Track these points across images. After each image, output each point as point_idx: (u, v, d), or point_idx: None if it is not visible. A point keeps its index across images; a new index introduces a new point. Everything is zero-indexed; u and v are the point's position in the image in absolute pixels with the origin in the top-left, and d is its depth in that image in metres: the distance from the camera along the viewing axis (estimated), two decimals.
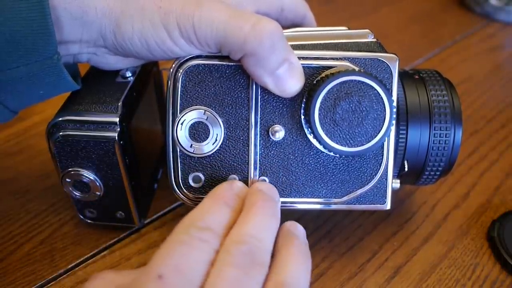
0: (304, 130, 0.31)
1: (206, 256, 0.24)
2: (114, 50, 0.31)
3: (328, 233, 0.39)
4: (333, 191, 0.32)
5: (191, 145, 0.31)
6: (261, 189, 0.30)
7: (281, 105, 0.31)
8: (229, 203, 0.28)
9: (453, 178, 0.45)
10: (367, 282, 0.36)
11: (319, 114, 0.29)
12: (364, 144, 0.30)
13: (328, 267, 0.37)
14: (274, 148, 0.31)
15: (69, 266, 0.36)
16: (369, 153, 0.32)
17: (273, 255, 0.26)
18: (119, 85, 0.34)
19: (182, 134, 0.31)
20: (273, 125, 0.31)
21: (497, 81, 0.61)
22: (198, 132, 0.31)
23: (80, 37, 0.29)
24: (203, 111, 0.31)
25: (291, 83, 0.29)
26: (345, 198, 0.32)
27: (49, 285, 0.35)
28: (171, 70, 0.31)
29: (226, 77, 0.31)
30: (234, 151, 0.31)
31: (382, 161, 0.32)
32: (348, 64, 0.30)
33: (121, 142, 0.32)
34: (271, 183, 0.32)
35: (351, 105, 0.29)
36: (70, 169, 0.33)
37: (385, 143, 0.31)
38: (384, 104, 0.29)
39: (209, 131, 0.31)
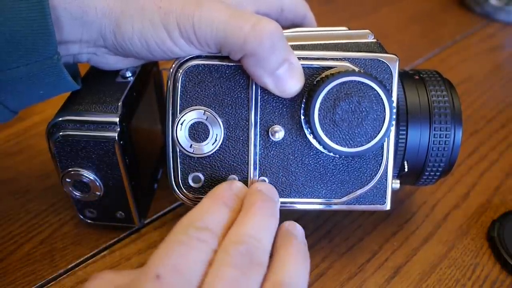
0: (304, 131, 0.31)
1: (204, 256, 0.24)
2: (114, 50, 0.31)
3: (328, 233, 0.39)
4: (332, 191, 0.32)
5: (191, 145, 0.31)
6: (260, 189, 0.30)
7: (281, 106, 0.31)
8: (228, 203, 0.28)
9: (453, 178, 0.45)
10: (367, 282, 0.36)
11: (319, 114, 0.29)
12: (363, 145, 0.30)
13: (328, 267, 0.37)
14: (273, 148, 0.31)
15: (69, 266, 0.36)
16: (369, 154, 0.32)
17: (271, 255, 0.26)
18: (119, 85, 0.34)
19: (182, 134, 0.31)
20: (273, 125, 0.31)
21: (497, 81, 0.61)
22: (198, 132, 0.31)
23: (80, 37, 0.29)
24: (203, 111, 0.31)
25: (291, 84, 0.29)
26: (345, 199, 0.32)
27: (49, 285, 0.35)
28: (171, 70, 0.31)
29: (226, 77, 0.31)
30: (234, 151, 0.31)
31: (382, 162, 0.32)
32: (348, 64, 0.30)
33: (121, 142, 0.32)
34: (270, 183, 0.32)
35: (351, 106, 0.29)
36: (70, 169, 0.33)
37: (385, 144, 0.31)
38: (384, 105, 0.29)
39: (209, 131, 0.31)
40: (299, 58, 0.30)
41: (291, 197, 0.32)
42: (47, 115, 0.49)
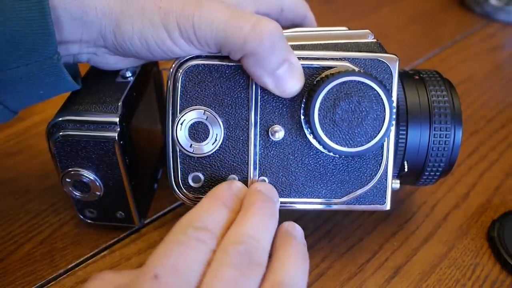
0: (304, 130, 0.31)
1: (203, 256, 0.24)
2: (114, 50, 0.31)
3: (328, 233, 0.39)
4: (332, 191, 0.32)
5: (191, 145, 0.31)
6: (260, 189, 0.30)
7: (281, 105, 0.31)
8: (227, 203, 0.28)
9: (453, 178, 0.45)
10: (367, 282, 0.36)
11: (319, 114, 0.29)
12: (363, 145, 0.30)
13: (328, 267, 0.37)
14: (273, 148, 0.31)
15: (69, 266, 0.36)
16: (369, 154, 0.31)
17: (270, 256, 0.26)
18: (119, 85, 0.34)
19: (182, 134, 0.31)
20: (273, 125, 0.31)
21: (497, 81, 0.61)
22: (198, 132, 0.31)
23: (80, 37, 0.29)
24: (203, 111, 0.31)
25: (291, 84, 0.29)
26: (344, 199, 0.32)
27: (49, 285, 0.35)
28: (171, 70, 0.31)
29: (226, 77, 0.31)
30: (234, 151, 0.31)
31: (382, 162, 0.32)
32: (348, 64, 0.30)
33: (121, 142, 0.32)
34: (270, 183, 0.32)
35: (350, 106, 0.29)
36: (70, 169, 0.33)
37: (385, 144, 0.31)
38: (383, 105, 0.29)
39: (209, 131, 0.31)
40: (299, 58, 0.30)
41: (291, 197, 0.32)
42: (47, 115, 0.49)
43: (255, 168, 0.31)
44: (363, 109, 0.29)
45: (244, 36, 0.27)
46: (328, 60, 0.30)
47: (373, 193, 0.32)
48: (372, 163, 0.32)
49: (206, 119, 0.31)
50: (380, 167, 0.32)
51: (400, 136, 0.33)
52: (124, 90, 0.34)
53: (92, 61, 0.32)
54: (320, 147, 0.31)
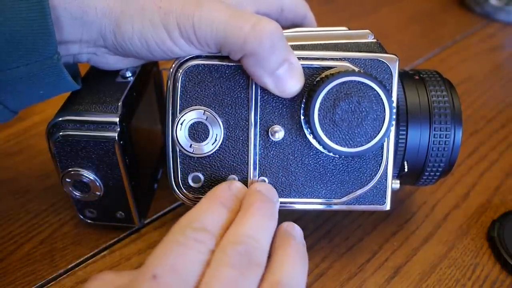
0: (303, 131, 0.31)
1: (202, 257, 0.24)
2: (114, 50, 0.31)
3: (328, 233, 0.39)
4: (332, 191, 0.32)
5: (191, 145, 0.31)
6: (259, 190, 0.30)
7: (280, 106, 0.31)
8: (226, 203, 0.28)
9: (453, 178, 0.45)
10: (367, 282, 0.36)
11: (319, 114, 0.29)
12: (363, 145, 0.30)
13: (328, 267, 0.37)
14: (273, 149, 0.31)
15: (69, 266, 0.36)
16: (369, 154, 0.31)
17: (269, 256, 0.26)
18: (119, 85, 0.34)
19: (181, 134, 0.31)
20: (273, 125, 0.31)
21: (497, 81, 0.61)
22: (198, 132, 0.31)
23: (80, 37, 0.29)
24: (203, 111, 0.31)
25: (291, 84, 0.29)
26: (344, 199, 0.32)
27: (49, 285, 0.35)
28: (171, 70, 0.31)
29: (226, 77, 0.31)
30: (234, 151, 0.31)
31: (381, 162, 0.32)
32: (348, 64, 0.30)
33: (121, 142, 0.32)
34: (270, 183, 0.32)
35: (350, 106, 0.29)
36: (70, 169, 0.33)
37: (385, 144, 0.31)
38: (383, 105, 0.29)
39: (209, 131, 0.31)
40: (299, 58, 0.30)
41: (291, 197, 0.32)
42: (47, 115, 0.49)
43: (255, 168, 0.31)
44: (363, 109, 0.29)
45: (244, 36, 0.27)
46: (328, 60, 0.30)
47: (373, 193, 0.32)
48: (372, 163, 0.32)
49: (206, 119, 0.31)
50: (380, 167, 0.32)
51: (400, 136, 0.33)
52: (124, 90, 0.34)
53: (92, 61, 0.32)
54: (320, 147, 0.31)
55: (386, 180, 0.32)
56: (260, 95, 0.31)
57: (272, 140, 0.31)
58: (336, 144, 0.30)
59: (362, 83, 0.29)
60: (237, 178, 0.32)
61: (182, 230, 0.25)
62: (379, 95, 0.29)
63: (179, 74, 0.30)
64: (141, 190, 0.38)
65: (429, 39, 0.70)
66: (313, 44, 0.31)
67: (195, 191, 0.32)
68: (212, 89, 0.31)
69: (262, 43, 0.27)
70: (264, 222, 0.27)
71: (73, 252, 0.37)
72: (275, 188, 0.31)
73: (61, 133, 0.32)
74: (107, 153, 0.32)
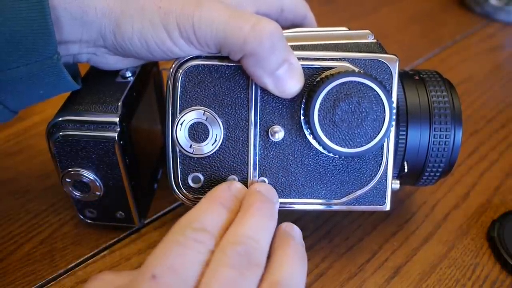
0: (303, 131, 0.31)
1: (201, 257, 0.24)
2: (114, 50, 0.31)
3: (327, 234, 0.39)
4: (332, 192, 0.32)
5: (191, 145, 0.31)
6: (259, 190, 0.30)
7: (280, 106, 0.31)
8: (225, 204, 0.28)
9: (453, 178, 0.45)
10: (367, 282, 0.36)
11: (319, 115, 0.29)
12: (363, 145, 0.30)
13: (328, 267, 0.37)
14: (273, 149, 0.31)
15: (69, 266, 0.36)
16: (369, 154, 0.31)
17: (269, 256, 0.26)
18: (119, 85, 0.34)
19: (181, 134, 0.31)
20: (273, 125, 0.31)
21: (497, 81, 0.61)
22: (198, 132, 0.31)
23: (80, 37, 0.29)
24: (203, 111, 0.31)
25: (290, 84, 0.29)
26: (344, 199, 0.32)
27: (49, 285, 0.35)
28: (171, 70, 0.31)
29: (226, 77, 0.31)
30: (234, 152, 0.31)
31: (381, 162, 0.32)
32: (348, 65, 0.30)
33: (121, 142, 0.32)
34: (270, 183, 0.32)
35: (350, 106, 0.29)
36: (70, 169, 0.33)
37: (385, 144, 0.31)
38: (383, 105, 0.29)
39: (209, 132, 0.31)
40: (299, 59, 0.30)
41: (291, 198, 0.32)
42: (47, 115, 0.49)
43: (254, 169, 0.31)
44: (363, 109, 0.29)
45: (244, 36, 0.27)
46: (328, 60, 0.30)
47: (373, 194, 0.32)
48: (372, 164, 0.32)
49: (206, 120, 0.31)
50: (380, 167, 0.32)
51: (400, 137, 0.33)
52: (124, 90, 0.34)
53: (92, 61, 0.32)
54: (320, 148, 0.31)
55: (386, 180, 0.32)
56: (260, 96, 0.31)
57: (272, 141, 0.31)
58: (336, 144, 0.30)
59: (362, 83, 0.29)
60: (237, 179, 0.32)
61: (182, 230, 0.25)
62: (379, 96, 0.29)
63: (179, 74, 0.30)
64: (141, 190, 0.38)
65: (429, 39, 0.70)
66: (313, 45, 0.31)
67: (195, 191, 0.32)
68: (212, 90, 0.31)
69: (262, 44, 0.27)
70: (264, 222, 0.27)
71: (73, 252, 0.37)
72: (275, 189, 0.31)
73: (61, 133, 0.32)
74: (107, 153, 0.33)
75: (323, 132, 0.29)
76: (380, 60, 0.31)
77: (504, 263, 0.37)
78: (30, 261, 0.37)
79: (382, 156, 0.32)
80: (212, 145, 0.31)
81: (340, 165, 0.32)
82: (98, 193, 0.35)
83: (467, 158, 0.48)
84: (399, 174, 0.35)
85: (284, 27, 0.30)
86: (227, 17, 0.28)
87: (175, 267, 0.23)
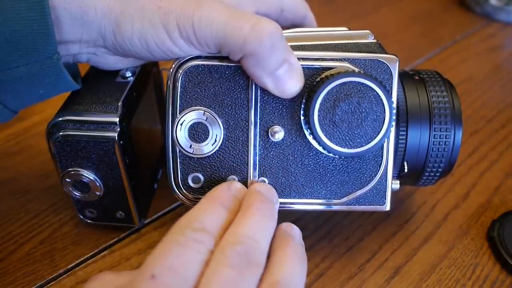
0: (303, 131, 0.31)
1: (201, 257, 0.24)
2: (113, 50, 0.31)
3: (327, 234, 0.39)
4: (332, 192, 0.32)
5: (191, 145, 0.31)
6: (259, 190, 0.30)
7: (280, 106, 0.31)
8: (225, 204, 0.28)
9: (453, 178, 0.45)
10: (367, 282, 0.36)
11: (319, 115, 0.29)
12: (363, 146, 0.30)
13: (328, 267, 0.37)
14: (273, 149, 0.31)
15: (69, 266, 0.36)
16: (369, 154, 0.31)
17: (268, 256, 0.26)
18: (119, 85, 0.34)
19: (181, 134, 0.31)
20: (273, 126, 0.31)
21: (497, 81, 0.61)
22: (198, 132, 0.31)
23: (80, 37, 0.29)
24: (203, 111, 0.31)
25: (290, 84, 0.29)
26: (344, 199, 0.32)
27: (49, 285, 0.35)
28: (171, 70, 0.31)
29: (226, 77, 0.31)
30: (234, 152, 0.31)
31: (381, 162, 0.32)
32: (348, 65, 0.30)
33: (121, 142, 0.32)
34: (270, 184, 0.32)
35: (350, 106, 0.29)
36: (70, 169, 0.33)
37: (385, 144, 0.31)
38: (383, 106, 0.29)
39: (209, 132, 0.31)
40: (299, 59, 0.30)
41: (291, 198, 0.32)
42: (47, 115, 0.49)
43: (254, 169, 0.31)
44: (363, 110, 0.29)
45: (243, 36, 0.27)
46: (328, 60, 0.30)
47: (373, 194, 0.32)
48: (372, 164, 0.32)
49: (206, 120, 0.31)
50: (380, 167, 0.32)
51: (400, 137, 0.33)
52: (124, 90, 0.34)
53: (92, 61, 0.32)
54: (320, 148, 0.31)
55: (386, 180, 0.32)
56: (260, 96, 0.31)
57: (272, 141, 0.31)
58: (336, 144, 0.30)
59: (362, 83, 0.29)
60: (237, 179, 0.32)
61: (182, 230, 0.25)
62: (379, 96, 0.29)
63: (179, 75, 0.30)
64: (141, 190, 0.38)
65: (429, 39, 0.70)
66: (313, 45, 0.31)
67: (195, 191, 0.32)
68: (212, 90, 0.31)
69: (261, 44, 0.27)
70: (264, 222, 0.27)
71: (73, 252, 0.37)
72: (275, 189, 0.31)
73: (61, 133, 0.32)
74: (107, 153, 0.33)
75: (323, 132, 0.29)
76: (380, 60, 0.31)
77: (504, 263, 0.37)
78: (30, 261, 0.37)
79: (382, 156, 0.32)
80: (212, 145, 0.31)
81: (340, 165, 0.32)
82: (98, 193, 0.35)
83: (467, 158, 0.48)
84: (399, 174, 0.35)
85: (284, 27, 0.30)
86: (227, 17, 0.28)
87: (175, 267, 0.23)
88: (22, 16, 0.26)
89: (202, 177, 0.32)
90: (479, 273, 0.37)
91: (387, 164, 0.32)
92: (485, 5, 0.75)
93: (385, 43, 0.32)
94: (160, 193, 0.43)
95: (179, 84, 0.31)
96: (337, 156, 0.31)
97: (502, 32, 0.72)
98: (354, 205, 0.33)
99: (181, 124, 0.31)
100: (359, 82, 0.29)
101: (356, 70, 0.30)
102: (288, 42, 0.29)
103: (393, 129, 0.31)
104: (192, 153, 0.31)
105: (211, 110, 0.31)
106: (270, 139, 0.31)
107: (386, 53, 0.31)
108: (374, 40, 0.32)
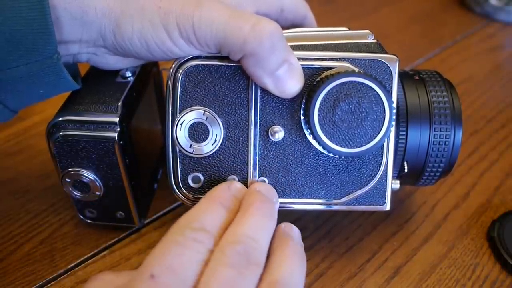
0: (303, 131, 0.31)
1: (200, 256, 0.24)
2: (113, 50, 0.31)
3: (327, 234, 0.39)
4: (332, 191, 0.32)
5: (191, 145, 0.31)
6: (259, 190, 0.30)
7: (280, 106, 0.31)
8: (225, 204, 0.28)
9: (453, 178, 0.45)
10: (367, 282, 0.36)
11: (319, 115, 0.29)
12: (363, 145, 0.30)
13: (328, 267, 0.37)
14: (273, 149, 0.31)
15: (69, 266, 0.36)
16: (369, 154, 0.31)
17: (268, 256, 0.26)
18: (119, 85, 0.34)
19: (181, 134, 0.31)
20: (273, 125, 0.31)
21: (497, 81, 0.61)
22: (198, 132, 0.31)
23: (80, 37, 0.29)
24: (203, 111, 0.31)
25: (290, 84, 0.29)
26: (344, 199, 0.32)
27: (49, 285, 0.35)
28: (171, 70, 0.31)
29: (226, 77, 0.31)
30: (234, 152, 0.31)
31: (381, 162, 0.32)
32: (348, 65, 0.30)
33: (121, 142, 0.32)
34: (270, 183, 0.32)
35: (350, 106, 0.29)
36: (70, 169, 0.33)
37: (385, 144, 0.31)
38: (383, 105, 0.29)
39: (209, 132, 0.31)
40: (299, 59, 0.30)
41: (290, 198, 0.32)
42: (47, 115, 0.49)
43: (254, 169, 0.31)
44: (363, 109, 0.29)
45: (243, 36, 0.27)
46: (328, 60, 0.30)
47: (373, 194, 0.32)
48: (372, 164, 0.32)
49: (206, 120, 0.31)
50: (380, 167, 0.32)
51: (400, 137, 0.33)
52: (124, 90, 0.34)
53: (92, 61, 0.32)
54: (320, 148, 0.31)
55: (386, 180, 0.32)
56: (260, 96, 0.31)
57: (272, 141, 0.31)
58: (336, 144, 0.30)
59: (362, 83, 0.29)
60: (237, 179, 0.32)
61: (181, 230, 0.25)
62: (379, 96, 0.29)
63: (179, 75, 0.30)
64: (141, 190, 0.38)
65: (429, 39, 0.70)
66: (313, 45, 0.31)
67: (195, 191, 0.32)
68: (212, 90, 0.31)
69: (261, 44, 0.27)
70: (264, 222, 0.27)
71: (73, 252, 0.37)
72: (275, 189, 0.31)
73: (61, 133, 0.32)
74: (107, 153, 0.33)
75: (323, 132, 0.29)
76: (380, 60, 0.31)
77: (504, 263, 0.37)
78: (30, 261, 0.37)
79: (382, 156, 0.32)
80: (212, 145, 0.31)
81: (340, 165, 0.32)
82: (98, 193, 0.35)
83: (467, 158, 0.48)
84: (399, 174, 0.35)
85: (284, 27, 0.30)
86: (227, 17, 0.28)
87: (174, 267, 0.23)
88: (22, 16, 0.26)
89: (202, 177, 0.32)
90: (479, 273, 0.37)
91: (387, 164, 0.32)
92: (485, 5, 0.75)
93: (385, 43, 0.32)
94: (160, 193, 0.43)
95: (179, 84, 0.31)
96: (337, 156, 0.31)
97: (502, 32, 0.72)
98: (354, 205, 0.33)
99: (181, 124, 0.31)
100: (359, 82, 0.29)
101: (356, 70, 0.30)
102: (288, 42, 0.29)
103: (393, 129, 0.31)
104: (192, 153, 0.31)
105: (211, 110, 0.31)
106: (270, 139, 0.31)
107: (386, 53, 0.31)
108: (374, 40, 0.32)
